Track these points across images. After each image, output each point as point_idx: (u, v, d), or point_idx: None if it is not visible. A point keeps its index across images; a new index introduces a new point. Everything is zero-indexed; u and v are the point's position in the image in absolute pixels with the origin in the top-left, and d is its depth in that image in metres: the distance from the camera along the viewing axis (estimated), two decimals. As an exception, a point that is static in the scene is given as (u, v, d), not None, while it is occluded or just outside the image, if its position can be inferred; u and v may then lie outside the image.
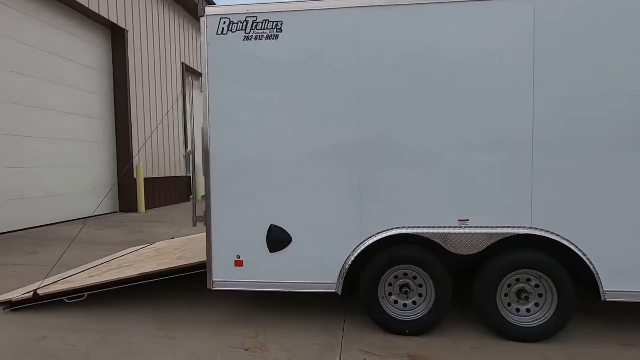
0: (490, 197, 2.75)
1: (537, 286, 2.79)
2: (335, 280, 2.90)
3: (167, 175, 11.96)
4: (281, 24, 2.87)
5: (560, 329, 2.74)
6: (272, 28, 2.88)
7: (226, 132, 2.97)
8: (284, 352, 2.65)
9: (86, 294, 3.40)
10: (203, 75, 2.99)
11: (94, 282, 3.42)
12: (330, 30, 2.83)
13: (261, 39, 2.89)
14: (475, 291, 2.84)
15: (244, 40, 2.90)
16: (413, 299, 2.93)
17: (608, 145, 2.65)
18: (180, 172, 12.82)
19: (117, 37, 10.00)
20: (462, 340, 2.79)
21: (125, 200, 10.09)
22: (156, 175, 11.25)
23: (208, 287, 3.02)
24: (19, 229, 7.33)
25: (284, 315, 3.24)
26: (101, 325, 3.10)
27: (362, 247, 2.86)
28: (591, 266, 2.66)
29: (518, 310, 2.82)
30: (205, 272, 3.10)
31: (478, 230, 2.76)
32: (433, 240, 2.80)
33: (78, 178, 8.89)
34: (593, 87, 2.63)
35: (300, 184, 2.91)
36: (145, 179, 10.40)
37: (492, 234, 2.75)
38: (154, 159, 11.19)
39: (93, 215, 9.24)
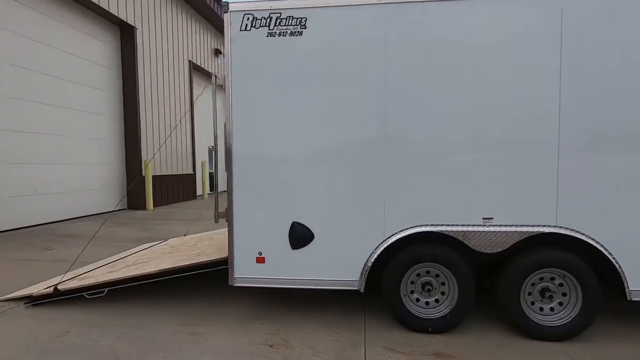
0: (514, 196, 2.74)
1: (560, 285, 2.78)
2: (357, 277, 2.90)
3: (174, 172, 11.99)
4: (305, 20, 2.86)
5: (585, 328, 2.73)
6: (296, 24, 2.87)
7: (249, 129, 2.96)
8: (308, 348, 2.65)
9: (106, 289, 3.41)
10: (225, 72, 2.98)
11: (114, 277, 3.43)
12: (356, 27, 2.82)
13: (285, 35, 2.89)
14: (498, 289, 2.84)
15: (267, 36, 2.90)
16: (435, 297, 2.92)
17: (633, 145, 2.63)
18: (187, 170, 12.85)
19: (125, 34, 10.02)
20: (485, 339, 2.78)
21: (133, 198, 10.11)
22: (163, 173, 11.28)
23: (230, 284, 3.03)
24: (32, 224, 7.37)
25: (302, 311, 3.25)
26: (122, 321, 3.11)
27: (385, 245, 2.85)
28: (617, 265, 2.65)
29: (541, 309, 2.81)
30: (225, 268, 3.11)
31: (502, 229, 2.75)
32: (456, 238, 2.80)
33: (87, 175, 8.92)
34: (620, 86, 2.62)
35: (322, 181, 2.91)
36: (153, 177, 10.42)
37: (516, 232, 2.74)
38: (162, 156, 11.21)
39: (102, 212, 9.29)
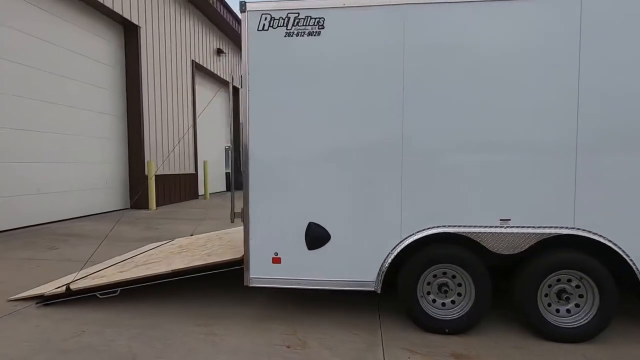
0: (532, 197, 2.75)
1: (577, 287, 2.79)
2: (374, 278, 2.90)
3: (177, 172, 11.95)
4: (323, 21, 2.86)
5: (601, 330, 2.74)
6: (314, 24, 2.87)
7: (266, 130, 2.95)
8: (326, 350, 2.64)
9: (119, 289, 3.39)
10: (242, 72, 2.97)
11: (126, 277, 3.42)
12: (374, 27, 2.82)
13: (302, 36, 2.88)
14: (515, 291, 2.84)
15: (285, 36, 2.89)
16: (452, 298, 2.92)
17: (651, 147, 2.64)
18: (189, 169, 12.82)
19: (129, 33, 9.98)
20: (501, 340, 2.78)
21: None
22: (166, 173, 11.24)
23: (245, 284, 3.02)
24: (35, 223, 7.33)
25: (317, 312, 3.24)
26: (136, 321, 3.09)
27: (402, 246, 2.85)
28: (634, 267, 2.65)
29: (558, 310, 2.81)
30: (238, 268, 3.09)
31: (519, 230, 2.75)
32: (473, 239, 2.80)
33: (90, 174, 8.88)
34: (638, 88, 2.63)
35: (339, 182, 2.91)
36: (155, 176, 10.39)
37: (533, 234, 2.74)
38: (164, 156, 11.17)
39: (104, 212, 9.25)
